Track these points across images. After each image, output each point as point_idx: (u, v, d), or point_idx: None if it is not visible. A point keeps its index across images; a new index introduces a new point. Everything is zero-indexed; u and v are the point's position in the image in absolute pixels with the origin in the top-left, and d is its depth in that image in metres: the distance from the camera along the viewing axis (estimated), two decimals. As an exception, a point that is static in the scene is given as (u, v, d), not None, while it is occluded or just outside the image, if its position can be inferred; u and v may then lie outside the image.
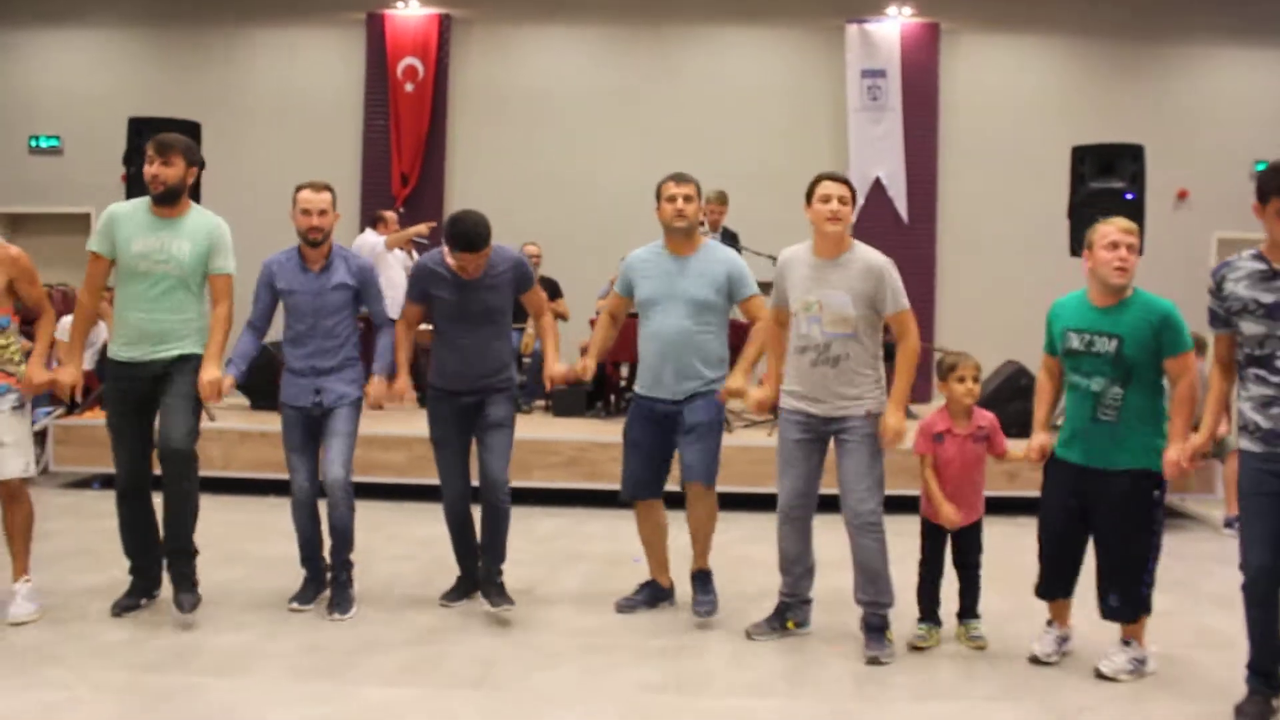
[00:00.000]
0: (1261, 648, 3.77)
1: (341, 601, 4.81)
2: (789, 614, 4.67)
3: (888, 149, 11.50)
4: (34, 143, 12.03)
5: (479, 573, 4.94)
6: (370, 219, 9.81)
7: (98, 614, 4.68)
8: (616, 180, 11.18)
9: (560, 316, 9.49)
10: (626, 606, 4.97)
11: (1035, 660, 4.32)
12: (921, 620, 4.60)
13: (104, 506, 4.80)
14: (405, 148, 11.65)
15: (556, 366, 4.91)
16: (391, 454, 7.24)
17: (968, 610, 4.62)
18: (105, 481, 7.05)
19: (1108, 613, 4.18)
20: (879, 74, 11.48)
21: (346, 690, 3.90)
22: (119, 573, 4.82)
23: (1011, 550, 5.09)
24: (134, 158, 8.45)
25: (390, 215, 9.79)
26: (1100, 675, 4.15)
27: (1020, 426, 5.24)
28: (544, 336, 5.08)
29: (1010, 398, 7.45)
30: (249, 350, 4.87)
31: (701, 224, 9.06)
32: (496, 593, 4.82)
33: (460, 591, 5.07)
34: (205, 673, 4.05)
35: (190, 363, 4.60)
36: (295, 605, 4.87)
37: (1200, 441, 3.97)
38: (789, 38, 11.81)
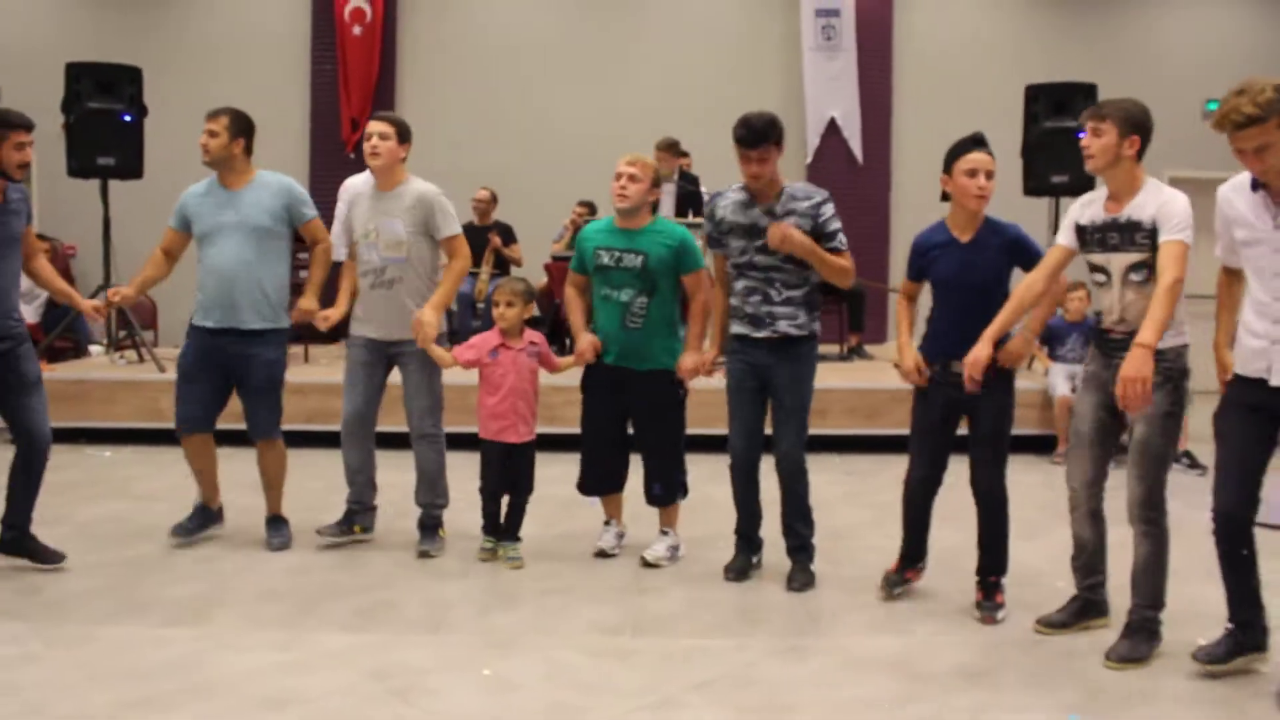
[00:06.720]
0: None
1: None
2: (355, 520, 5.07)
3: (842, 89, 11.43)
4: (-31, 89, 11.68)
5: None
6: None
7: (47, 568, 4.63)
8: (569, 123, 11.06)
9: (514, 262, 9.44)
10: (181, 531, 5.03)
11: (600, 553, 4.89)
12: (487, 534, 4.93)
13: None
14: (354, 92, 11.42)
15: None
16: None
17: (507, 531, 4.91)
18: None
19: (651, 499, 4.87)
20: (833, 13, 11.38)
21: (304, 637, 3.91)
22: (63, 529, 4.76)
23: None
24: (72, 105, 8.17)
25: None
26: (645, 563, 4.78)
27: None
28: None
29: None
30: None
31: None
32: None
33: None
34: (163, 624, 4.03)
35: None
36: None
37: (710, 351, 4.74)
38: (742, -24, 11.68)
